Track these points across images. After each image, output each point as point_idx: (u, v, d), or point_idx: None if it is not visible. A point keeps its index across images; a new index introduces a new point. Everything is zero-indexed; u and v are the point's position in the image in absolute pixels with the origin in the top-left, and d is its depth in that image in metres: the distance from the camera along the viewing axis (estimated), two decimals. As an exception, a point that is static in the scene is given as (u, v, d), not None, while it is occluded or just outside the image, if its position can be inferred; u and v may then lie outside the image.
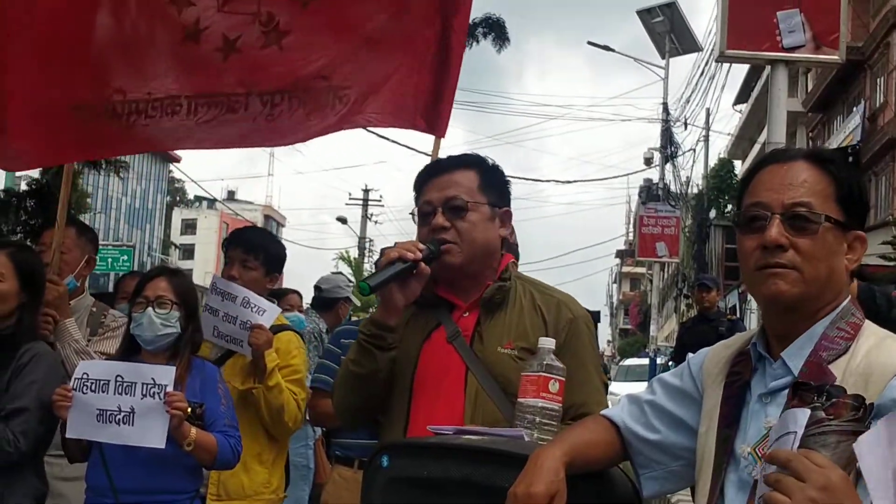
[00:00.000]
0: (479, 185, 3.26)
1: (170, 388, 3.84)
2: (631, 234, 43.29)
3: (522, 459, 2.41)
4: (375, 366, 3.13)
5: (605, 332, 75.75)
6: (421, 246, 3.10)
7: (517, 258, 4.70)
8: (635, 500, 2.59)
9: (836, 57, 10.71)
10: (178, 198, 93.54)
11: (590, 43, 34.70)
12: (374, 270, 3.21)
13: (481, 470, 2.51)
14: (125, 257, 36.08)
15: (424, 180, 3.31)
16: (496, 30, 14.53)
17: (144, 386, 3.85)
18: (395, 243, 3.16)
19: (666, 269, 45.28)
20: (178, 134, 4.99)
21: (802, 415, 1.77)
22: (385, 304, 3.12)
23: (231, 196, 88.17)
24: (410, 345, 3.18)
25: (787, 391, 2.14)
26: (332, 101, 4.85)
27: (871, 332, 2.23)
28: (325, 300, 7.87)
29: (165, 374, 3.88)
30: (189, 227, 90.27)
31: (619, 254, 65.51)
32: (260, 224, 75.09)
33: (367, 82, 4.84)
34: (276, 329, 4.93)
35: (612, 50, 34.26)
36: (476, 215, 3.22)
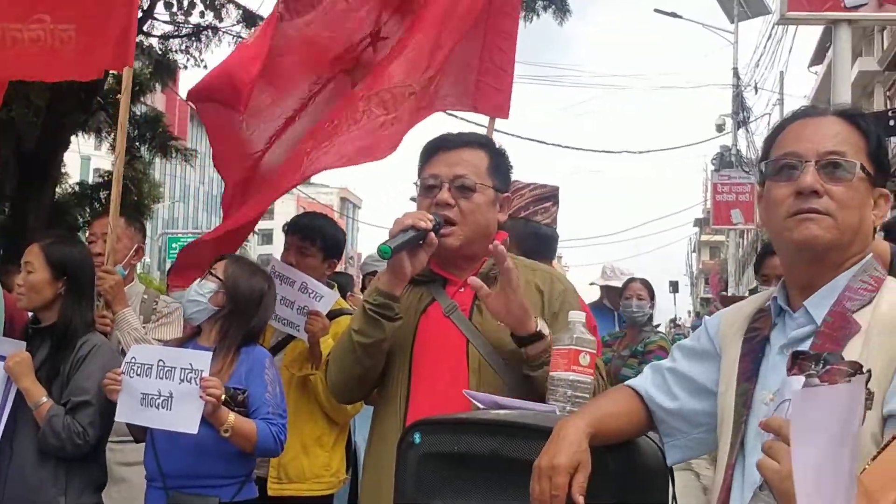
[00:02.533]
0: (488, 168, 3.26)
1: (206, 374, 3.87)
2: (707, 203, 42.72)
3: (550, 432, 2.42)
4: (383, 335, 3.14)
5: (685, 301, 74.92)
6: (430, 216, 3.10)
7: (554, 249, 4.64)
8: (664, 469, 2.60)
9: (900, 15, 10.48)
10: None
11: (656, 10, 34.22)
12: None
13: (510, 444, 2.53)
14: (204, 242, 36.59)
15: (433, 152, 3.29)
16: (556, 2, 14.43)
17: (183, 371, 3.89)
18: (405, 213, 3.14)
19: (745, 237, 44.69)
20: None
21: (797, 382, 1.77)
22: (394, 272, 3.12)
23: (306, 181, 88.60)
24: (407, 320, 3.20)
25: (809, 341, 2.18)
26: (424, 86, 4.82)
27: (894, 286, 2.25)
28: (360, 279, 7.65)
29: (202, 360, 3.92)
30: (267, 212, 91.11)
31: (697, 222, 64.69)
32: (336, 207, 75.59)
33: (441, 66, 4.81)
34: (334, 314, 4.96)
35: (680, 17, 33.81)
36: (481, 197, 3.22)
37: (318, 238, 5.07)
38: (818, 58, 45.59)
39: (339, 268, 6.65)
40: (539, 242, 4.39)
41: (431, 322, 3.21)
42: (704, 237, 69.67)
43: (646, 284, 7.57)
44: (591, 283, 8.55)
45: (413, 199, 3.43)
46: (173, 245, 37.20)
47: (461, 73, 4.77)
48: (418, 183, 3.33)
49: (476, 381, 3.09)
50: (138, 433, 4.17)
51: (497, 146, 3.38)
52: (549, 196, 4.60)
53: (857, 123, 2.32)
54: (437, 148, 3.30)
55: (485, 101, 4.81)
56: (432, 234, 3.08)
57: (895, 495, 1.53)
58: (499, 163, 3.32)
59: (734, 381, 2.34)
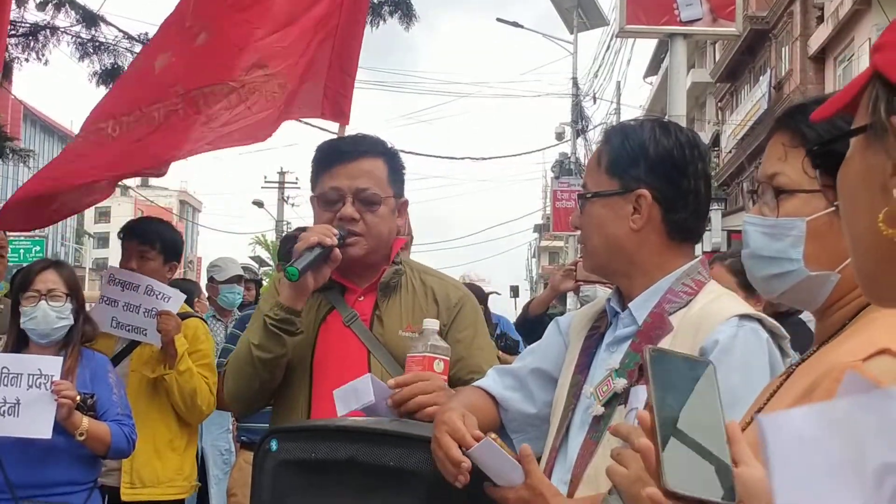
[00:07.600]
0: (388, 176, 3.23)
1: (56, 378, 3.84)
2: (547, 209, 43.43)
3: (406, 438, 2.50)
4: (283, 350, 3.11)
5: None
6: (335, 231, 3.07)
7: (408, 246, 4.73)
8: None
9: (732, 29, 10.90)
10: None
11: (499, 20, 34.66)
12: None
13: (367, 450, 2.56)
14: (37, 248, 35.40)
15: (331, 162, 3.22)
16: (402, 8, 14.47)
17: (31, 377, 3.85)
18: (308, 228, 3.10)
19: (583, 242, 45.53)
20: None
21: (643, 391, 1.85)
22: (295, 288, 3.07)
23: (145, 182, 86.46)
24: (306, 329, 3.17)
25: (630, 340, 2.34)
26: (273, 90, 4.79)
27: (712, 289, 2.40)
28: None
29: (52, 365, 3.89)
30: (103, 215, 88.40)
31: (537, 228, 65.73)
32: (176, 209, 74.16)
33: (293, 71, 4.79)
34: (181, 316, 4.94)
35: (522, 26, 34.33)
36: (384, 209, 3.20)
37: (156, 241, 5.04)
38: (653, 69, 47.01)
39: (179, 273, 6.60)
40: None
41: (331, 332, 3.18)
42: (544, 243, 70.77)
43: (474, 289, 7.67)
44: None
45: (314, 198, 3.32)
46: (6, 248, 35.88)
47: (315, 80, 4.76)
48: (316, 194, 3.25)
49: None
50: None
51: (390, 149, 3.33)
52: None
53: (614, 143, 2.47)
54: (335, 159, 3.22)
55: (331, 106, 4.81)
56: (337, 251, 3.06)
57: None
58: (396, 168, 3.29)
59: (570, 373, 2.48)
